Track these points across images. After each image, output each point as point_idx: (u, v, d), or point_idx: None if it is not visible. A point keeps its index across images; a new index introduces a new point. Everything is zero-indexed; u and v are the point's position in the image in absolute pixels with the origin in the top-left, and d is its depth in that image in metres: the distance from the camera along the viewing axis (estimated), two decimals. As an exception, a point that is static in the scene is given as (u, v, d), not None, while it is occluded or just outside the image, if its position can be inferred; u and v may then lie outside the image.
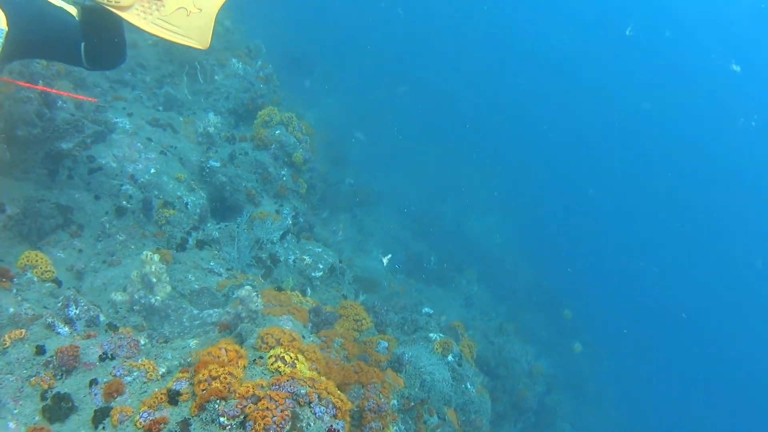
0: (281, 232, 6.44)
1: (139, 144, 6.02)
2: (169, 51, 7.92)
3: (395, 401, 4.68)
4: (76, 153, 5.25)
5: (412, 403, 4.89)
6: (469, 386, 5.94)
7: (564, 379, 12.47)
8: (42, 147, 4.96)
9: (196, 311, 4.23)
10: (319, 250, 6.52)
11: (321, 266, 6.27)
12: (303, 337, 3.69)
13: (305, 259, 6.24)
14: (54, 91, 4.89)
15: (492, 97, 23.99)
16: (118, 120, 6.03)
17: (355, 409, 3.55)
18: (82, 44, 3.70)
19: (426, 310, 7.18)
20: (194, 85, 8.07)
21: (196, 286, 4.68)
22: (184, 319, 4.10)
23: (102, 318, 3.65)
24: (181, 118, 7.42)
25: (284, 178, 7.46)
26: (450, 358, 5.92)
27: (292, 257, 6.26)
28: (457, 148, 19.74)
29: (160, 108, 7.36)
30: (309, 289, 6.08)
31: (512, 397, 9.81)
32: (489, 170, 19.24)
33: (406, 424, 4.83)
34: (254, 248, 6.08)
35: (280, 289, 4.90)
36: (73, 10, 3.58)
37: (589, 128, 27.74)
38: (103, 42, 3.79)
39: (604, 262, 20.03)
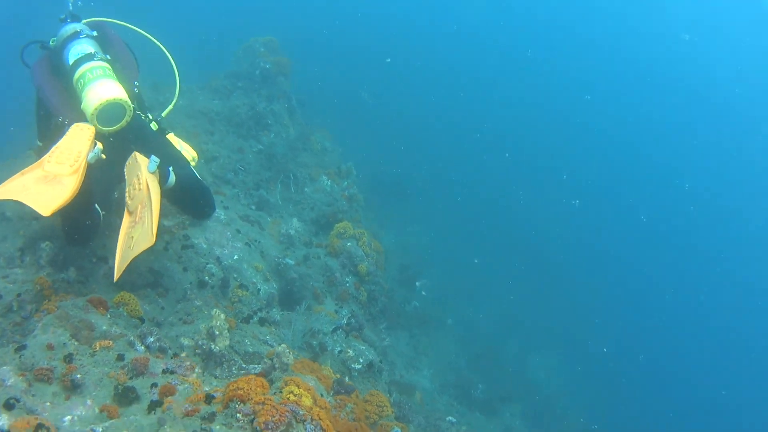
0: (333, 327, 7.38)
1: (229, 233, 7.20)
2: (269, 160, 9.35)
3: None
4: (175, 230, 6.45)
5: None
6: (475, 491, 6.51)
7: None
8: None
9: (244, 366, 5.19)
10: (363, 347, 7.39)
11: (361, 360, 7.12)
12: (321, 395, 4.57)
13: (349, 352, 7.12)
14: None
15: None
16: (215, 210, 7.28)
17: (350, 459, 4.35)
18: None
19: (450, 418, 7.84)
20: (286, 192, 9.40)
21: (250, 350, 5.65)
22: (234, 369, 5.05)
23: (169, 351, 4.68)
24: (269, 219, 8.66)
25: (347, 285, 8.47)
26: (462, 462, 6.57)
27: (338, 348, 7.15)
28: (534, 285, 20.05)
29: (253, 207, 8.64)
30: (347, 378, 6.92)
31: None
32: (561, 309, 19.34)
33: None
34: (307, 335, 7.04)
35: (314, 360, 5.81)
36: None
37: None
38: (189, 204, 5.58)
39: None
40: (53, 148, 4.44)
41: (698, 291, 25.70)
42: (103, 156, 4.63)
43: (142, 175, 4.59)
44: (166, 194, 5.21)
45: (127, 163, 4.87)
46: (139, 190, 4.60)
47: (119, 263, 4.50)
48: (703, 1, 35.86)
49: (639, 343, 20.54)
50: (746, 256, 29.42)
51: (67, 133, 4.59)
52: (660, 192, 30.93)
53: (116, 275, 4.55)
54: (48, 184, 4.20)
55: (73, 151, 4.43)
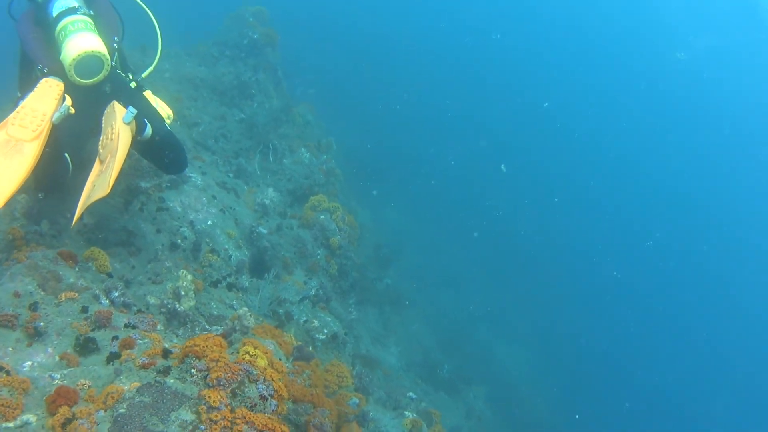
0: (300, 297, 7.52)
1: (204, 198, 7.29)
2: (250, 129, 9.43)
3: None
4: (151, 192, 6.53)
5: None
6: (428, 463, 6.70)
7: None
8: (125, 180, 6.22)
9: (208, 327, 5.31)
10: (329, 319, 7.55)
11: (326, 331, 7.27)
12: (280, 359, 4.70)
13: (314, 322, 7.26)
14: None
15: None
16: (192, 175, 7.36)
17: (302, 422, 4.49)
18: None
19: (410, 394, 8.02)
20: (264, 162, 9.48)
21: (215, 313, 5.79)
22: (197, 330, 5.17)
23: (134, 307, 4.80)
24: (245, 187, 8.75)
25: (318, 257, 8.59)
26: (416, 435, 6.74)
27: (304, 318, 7.30)
28: (508, 277, 20.25)
29: (231, 175, 8.72)
30: (310, 347, 7.06)
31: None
32: (532, 302, 19.58)
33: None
34: (273, 303, 7.17)
35: (278, 328, 5.94)
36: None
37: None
38: (162, 159, 5.66)
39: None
40: (19, 107, 4.52)
41: (667, 291, 26.08)
42: (72, 110, 4.71)
43: (116, 125, 4.67)
44: (140, 147, 5.31)
45: (105, 111, 4.94)
46: (111, 140, 4.68)
47: (78, 210, 4.60)
48: (699, 20, 35.93)
49: (607, 341, 20.90)
50: (723, 261, 29.89)
51: (35, 89, 4.67)
52: (644, 200, 31.29)
53: (73, 221, 4.65)
54: (7, 156, 4.29)
55: (38, 112, 4.52)
